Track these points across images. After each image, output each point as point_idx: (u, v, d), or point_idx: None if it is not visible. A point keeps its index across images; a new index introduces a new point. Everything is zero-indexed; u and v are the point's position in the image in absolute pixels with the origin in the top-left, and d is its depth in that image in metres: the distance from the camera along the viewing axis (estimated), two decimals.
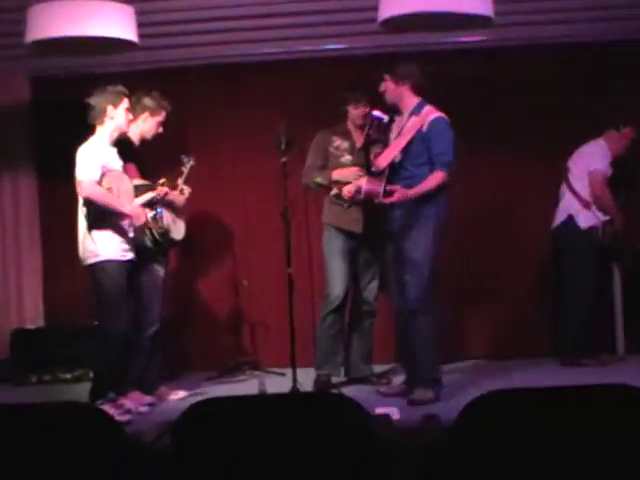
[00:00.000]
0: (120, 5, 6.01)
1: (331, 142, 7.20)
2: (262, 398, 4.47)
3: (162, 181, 6.86)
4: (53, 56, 7.05)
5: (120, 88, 6.50)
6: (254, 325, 8.45)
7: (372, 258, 7.14)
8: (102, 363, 6.46)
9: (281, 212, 6.63)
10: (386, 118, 6.42)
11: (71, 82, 8.19)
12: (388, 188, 6.36)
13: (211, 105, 8.42)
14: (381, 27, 6.01)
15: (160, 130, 6.98)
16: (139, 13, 6.17)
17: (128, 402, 6.40)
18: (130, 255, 6.47)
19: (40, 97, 8.49)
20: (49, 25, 5.89)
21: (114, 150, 6.48)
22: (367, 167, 6.56)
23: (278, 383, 7.10)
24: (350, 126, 7.22)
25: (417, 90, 6.51)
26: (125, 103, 6.48)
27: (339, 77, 7.82)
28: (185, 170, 7.13)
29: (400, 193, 6.27)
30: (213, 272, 8.59)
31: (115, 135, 6.50)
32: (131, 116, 6.62)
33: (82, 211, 6.40)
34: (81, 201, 6.39)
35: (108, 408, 6.05)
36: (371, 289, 7.22)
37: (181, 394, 7.01)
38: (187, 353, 8.27)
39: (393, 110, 6.57)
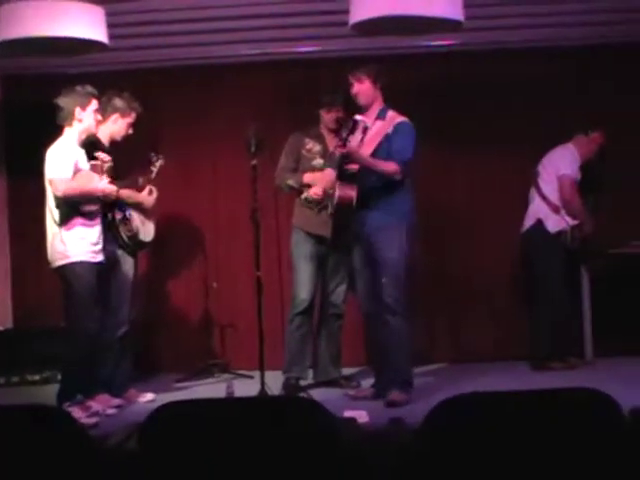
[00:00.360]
0: (90, 6, 5.99)
1: (304, 145, 7.21)
2: (229, 401, 4.46)
3: (141, 180, 6.88)
4: (23, 56, 7.01)
5: (89, 89, 6.46)
6: (224, 327, 8.42)
7: (341, 261, 7.14)
8: (71, 365, 6.42)
9: (250, 214, 6.62)
10: (368, 122, 6.40)
11: (41, 82, 8.14)
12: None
13: (183, 106, 8.40)
14: (352, 30, 6.02)
15: (130, 131, 6.95)
16: (110, 14, 6.15)
17: (96, 404, 6.37)
18: (100, 257, 6.45)
19: (10, 97, 8.45)
20: (19, 25, 5.86)
21: (82, 151, 6.45)
22: (340, 173, 6.53)
23: (247, 386, 7.11)
24: (323, 129, 7.23)
25: (384, 92, 6.56)
26: (93, 105, 6.45)
27: (312, 79, 7.84)
28: (154, 169, 7.12)
29: (357, 152, 6.32)
30: (183, 274, 8.56)
31: (83, 137, 6.48)
32: (100, 117, 6.58)
33: (50, 212, 6.36)
34: (50, 202, 6.34)
35: (75, 410, 6.04)
36: (339, 292, 7.23)
37: (149, 396, 6.98)
38: (156, 355, 8.25)
39: (360, 113, 6.56)
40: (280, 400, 4.34)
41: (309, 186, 7.05)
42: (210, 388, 7.51)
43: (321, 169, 7.05)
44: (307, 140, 7.23)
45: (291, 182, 7.13)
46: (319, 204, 7.00)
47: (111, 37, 6.20)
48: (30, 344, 8.00)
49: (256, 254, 6.61)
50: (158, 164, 7.16)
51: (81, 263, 6.32)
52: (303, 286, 7.12)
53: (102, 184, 6.38)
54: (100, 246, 6.45)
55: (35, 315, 8.40)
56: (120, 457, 3.33)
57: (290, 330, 7.21)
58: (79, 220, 6.33)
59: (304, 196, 7.08)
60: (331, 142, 7.10)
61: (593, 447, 2.94)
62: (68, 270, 6.33)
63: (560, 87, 8.09)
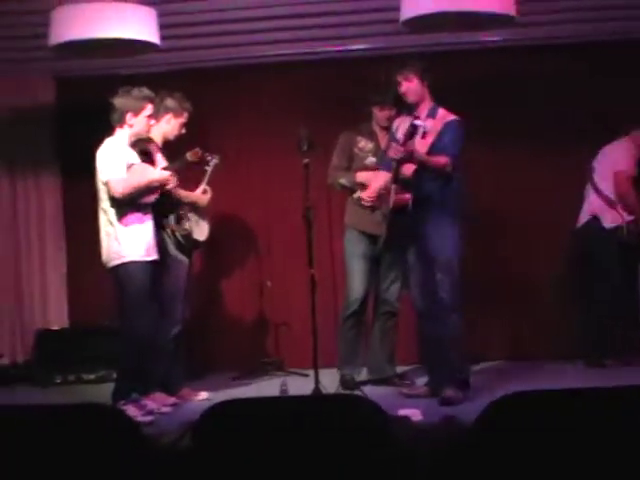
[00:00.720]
0: (142, 7, 6.04)
1: (356, 143, 7.20)
2: (282, 400, 4.47)
3: (194, 151, 6.91)
4: (76, 58, 7.08)
5: (145, 92, 6.46)
6: (278, 326, 8.44)
7: (395, 260, 7.11)
8: (126, 364, 6.47)
9: (303, 213, 6.62)
10: (428, 126, 6.32)
11: (94, 83, 8.21)
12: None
13: (233, 106, 8.43)
14: (403, 27, 6.01)
15: (183, 131, 6.98)
16: (161, 15, 6.19)
17: (151, 403, 6.41)
18: (154, 255, 6.48)
19: (64, 98, 8.53)
20: (72, 27, 5.93)
21: (132, 151, 6.47)
22: (395, 176, 6.50)
23: (301, 384, 7.10)
24: (375, 127, 7.21)
25: (431, 90, 6.51)
26: (147, 110, 6.45)
27: (360, 78, 7.80)
28: (209, 169, 7.15)
29: (416, 152, 6.26)
30: (237, 273, 8.60)
31: (133, 139, 6.51)
32: (153, 121, 6.61)
33: (105, 213, 6.39)
34: (104, 203, 6.39)
35: (130, 409, 6.10)
36: (393, 290, 7.22)
37: (204, 395, 7.01)
38: (211, 354, 8.28)
39: (408, 112, 6.53)
40: (334, 398, 4.33)
41: (362, 185, 7.02)
42: (264, 386, 7.53)
43: (374, 168, 7.01)
44: (359, 138, 7.21)
45: (343, 181, 7.12)
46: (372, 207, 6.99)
47: (162, 38, 6.24)
48: (85, 343, 8.08)
49: (309, 252, 6.60)
50: (212, 164, 7.19)
51: (135, 263, 6.35)
52: (356, 286, 7.14)
53: (157, 173, 6.43)
54: (153, 242, 6.49)
55: (90, 315, 8.48)
56: (174, 455, 3.35)
57: (343, 330, 7.23)
58: (134, 216, 6.34)
59: (357, 195, 7.05)
60: (383, 139, 7.08)
61: None
62: (122, 270, 6.36)
63: (615, 82, 7.99)
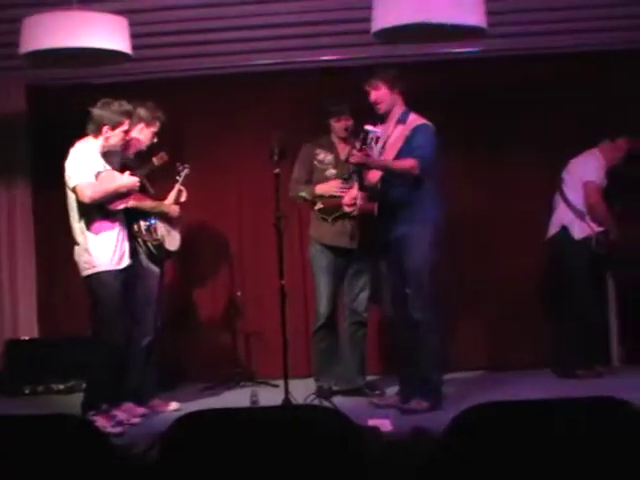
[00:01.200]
0: (114, 16, 6.02)
1: (315, 155, 7.26)
2: (252, 410, 4.46)
3: (159, 155, 6.89)
4: (48, 67, 7.04)
5: (125, 107, 6.44)
6: (248, 336, 8.44)
7: (361, 269, 7.19)
8: (96, 374, 6.43)
9: (274, 223, 6.62)
10: (379, 132, 6.37)
11: (66, 92, 8.21)
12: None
13: (206, 116, 8.44)
14: (375, 38, 6.01)
15: (155, 140, 6.97)
16: (133, 24, 6.17)
17: (120, 414, 6.38)
18: (125, 262, 6.44)
19: (35, 107, 8.49)
20: (43, 36, 5.89)
21: (100, 158, 6.44)
22: (360, 184, 6.55)
23: (271, 394, 7.11)
24: (334, 139, 7.26)
25: (404, 97, 6.51)
26: (124, 126, 6.44)
27: (334, 88, 7.83)
28: (180, 178, 7.15)
29: (366, 154, 6.25)
30: (208, 282, 8.59)
31: (102, 150, 6.47)
32: (128, 138, 6.61)
33: (76, 222, 6.36)
34: (74, 212, 6.35)
35: (100, 420, 6.06)
36: (361, 300, 7.25)
37: (174, 405, 6.99)
38: (181, 364, 8.26)
39: (380, 120, 6.55)
40: (304, 409, 4.34)
41: (322, 197, 7.13)
42: (234, 397, 7.52)
43: (334, 179, 7.12)
44: (318, 150, 7.27)
45: (304, 194, 7.15)
46: (333, 214, 7.04)
47: (134, 47, 6.22)
48: (55, 353, 8.05)
49: (280, 263, 6.60)
50: (184, 173, 7.19)
51: (107, 272, 6.32)
52: (324, 298, 7.20)
53: (125, 178, 6.39)
54: (125, 249, 6.45)
55: (60, 325, 8.45)
56: (143, 466, 3.34)
57: (314, 342, 7.32)
58: (104, 223, 6.31)
59: (317, 207, 7.12)
60: (342, 151, 7.17)
61: (618, 456, 2.92)
62: (94, 279, 6.33)
63: (585, 92, 8.06)
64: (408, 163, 6.29)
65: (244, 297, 8.37)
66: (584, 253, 7.58)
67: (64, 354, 7.98)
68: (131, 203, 6.54)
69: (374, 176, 6.43)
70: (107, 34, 5.95)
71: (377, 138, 6.36)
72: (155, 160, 6.97)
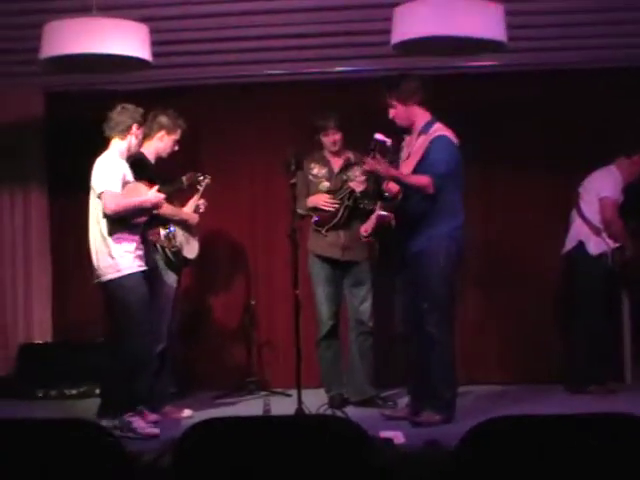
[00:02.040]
0: (135, 23, 6.04)
1: (310, 170, 7.30)
2: (264, 419, 4.45)
3: (187, 176, 6.91)
4: (67, 72, 7.08)
5: (141, 111, 6.51)
6: (262, 345, 8.45)
7: (361, 280, 7.27)
8: (124, 378, 6.33)
9: (289, 233, 6.62)
10: (389, 142, 6.33)
11: (85, 99, 8.23)
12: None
13: (222, 124, 8.46)
14: (394, 50, 6.02)
15: (176, 148, 7.00)
16: (154, 31, 6.19)
17: (135, 420, 6.37)
18: (144, 265, 6.43)
19: (54, 113, 8.52)
20: (64, 42, 5.92)
21: (127, 165, 6.46)
22: (379, 194, 6.55)
23: (284, 404, 7.10)
24: (326, 153, 7.30)
25: (425, 107, 6.43)
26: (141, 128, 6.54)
27: (351, 99, 7.84)
28: (201, 189, 7.16)
29: (381, 164, 6.22)
30: (222, 291, 8.60)
31: (128, 153, 6.50)
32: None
33: (98, 224, 6.33)
34: (99, 214, 6.33)
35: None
36: (364, 310, 7.28)
37: (187, 412, 6.99)
38: (195, 371, 8.27)
39: (402, 132, 6.53)
40: (317, 419, 4.33)
41: (315, 209, 7.24)
42: (247, 406, 7.51)
43: (326, 192, 7.23)
44: (313, 165, 7.35)
45: (300, 211, 7.17)
46: (324, 225, 7.17)
47: (154, 55, 6.24)
48: (68, 358, 8.07)
49: (294, 273, 6.59)
50: (204, 183, 7.20)
51: (132, 275, 6.30)
52: (324, 309, 7.27)
53: (150, 194, 6.39)
54: (141, 252, 6.43)
55: (75, 329, 8.46)
56: (155, 473, 3.34)
57: (319, 353, 7.35)
58: (124, 234, 6.31)
59: (313, 220, 7.27)
60: (336, 164, 7.31)
61: (628, 472, 2.91)
62: (118, 284, 6.30)
63: (603, 108, 8.04)
64: (422, 181, 6.23)
65: (258, 306, 8.36)
66: (600, 269, 7.56)
67: (78, 359, 8.01)
68: None
69: (394, 186, 6.42)
70: (128, 41, 5.98)
71: (389, 149, 6.31)
72: (185, 179, 7.02)
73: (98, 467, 3.05)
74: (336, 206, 7.17)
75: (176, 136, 6.98)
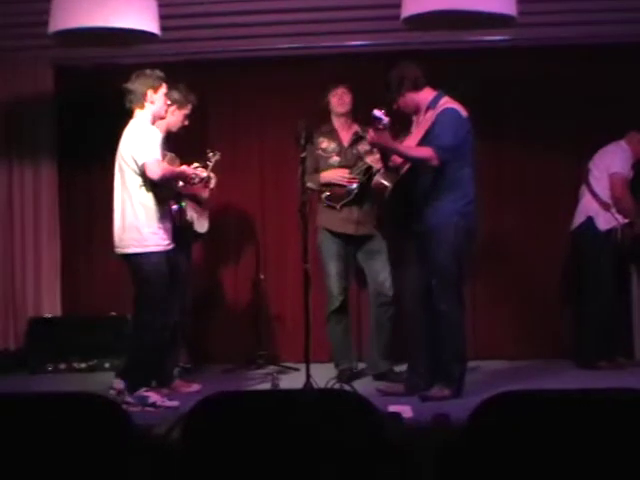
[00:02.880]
0: None
1: (318, 144, 7.24)
2: (273, 393, 4.47)
3: (195, 165, 6.88)
4: (76, 46, 7.07)
5: (158, 73, 6.44)
6: (271, 319, 8.46)
7: (375, 250, 7.24)
8: (143, 353, 6.38)
9: (299, 208, 6.61)
10: (386, 120, 6.15)
11: (94, 72, 8.22)
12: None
13: (233, 98, 8.45)
14: (404, 24, 6.00)
15: (186, 123, 6.99)
16: (162, 5, 6.18)
17: (151, 395, 6.39)
18: (170, 244, 6.46)
19: (63, 87, 8.50)
20: (73, 15, 5.92)
21: (157, 130, 6.45)
22: (385, 164, 6.54)
23: (292, 378, 7.13)
24: (336, 124, 7.27)
25: (420, 86, 6.39)
26: (164, 88, 6.44)
27: (362, 73, 7.81)
28: (210, 164, 7.12)
29: (384, 137, 6.19)
30: (232, 265, 8.60)
31: (154, 121, 6.47)
32: (169, 102, 6.59)
33: (130, 199, 6.29)
34: (133, 187, 6.28)
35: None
36: (382, 280, 7.23)
37: (196, 387, 7.01)
38: (204, 346, 8.29)
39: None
40: (325, 393, 4.34)
41: (328, 185, 7.20)
42: (255, 380, 7.53)
43: (338, 167, 7.21)
44: (321, 139, 7.28)
45: (311, 184, 7.15)
46: (340, 201, 7.13)
47: (163, 29, 6.23)
48: (78, 332, 8.09)
49: (304, 247, 6.58)
50: (214, 159, 7.16)
51: (156, 253, 6.31)
52: (334, 284, 7.26)
53: (192, 167, 6.49)
54: (168, 231, 6.44)
55: (84, 303, 8.49)
56: (165, 446, 3.35)
57: (329, 328, 7.36)
58: (158, 211, 6.32)
59: (324, 195, 7.20)
60: (345, 138, 7.22)
61: (636, 448, 2.92)
62: (141, 258, 6.30)
63: (614, 84, 8.00)
64: (425, 152, 6.22)
65: (267, 281, 8.37)
66: (609, 244, 7.54)
67: (87, 333, 8.04)
68: None
69: (398, 158, 6.41)
70: (136, 14, 5.97)
71: (383, 126, 6.13)
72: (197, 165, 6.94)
73: (107, 440, 3.07)
74: (355, 182, 7.14)
75: (187, 110, 6.96)
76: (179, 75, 7.28)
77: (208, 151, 7.17)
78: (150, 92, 6.39)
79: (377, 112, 6.16)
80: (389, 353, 7.33)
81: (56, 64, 8.45)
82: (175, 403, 6.25)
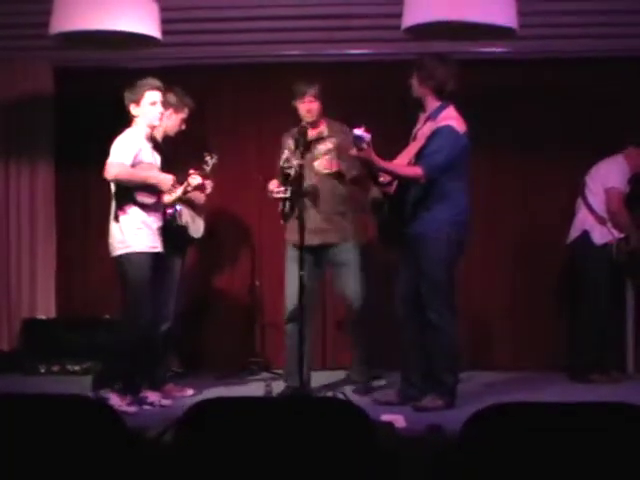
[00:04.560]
0: (145, 0, 6.04)
1: (288, 146, 7.09)
2: (266, 400, 4.47)
3: (191, 172, 6.86)
4: (77, 48, 7.08)
5: (148, 81, 6.43)
6: (265, 326, 8.44)
7: (340, 261, 7.01)
8: (117, 353, 6.43)
9: (296, 215, 6.61)
10: (368, 136, 5.95)
11: (94, 74, 8.23)
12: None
13: (230, 104, 8.45)
14: (405, 34, 6.01)
15: (183, 127, 6.99)
16: (164, 9, 6.19)
17: (150, 394, 6.45)
18: (158, 247, 6.46)
19: (63, 88, 8.50)
20: (74, 17, 5.93)
21: (149, 145, 6.47)
22: (374, 179, 6.42)
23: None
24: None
25: (440, 94, 6.34)
26: (148, 97, 6.39)
27: (363, 82, 7.82)
28: (208, 168, 7.10)
29: (369, 155, 6.03)
30: (227, 271, 8.60)
31: (148, 131, 6.48)
32: (162, 108, 6.53)
33: (114, 200, 6.37)
34: (113, 190, 6.36)
35: (114, 398, 6.17)
36: (349, 293, 7.04)
37: (189, 392, 7.01)
38: (198, 351, 8.28)
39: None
40: (318, 401, 4.34)
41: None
42: (248, 386, 7.52)
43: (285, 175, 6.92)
44: (290, 141, 7.06)
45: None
46: (283, 215, 6.93)
47: (164, 33, 6.24)
48: (72, 334, 8.08)
49: (300, 254, 6.59)
50: (211, 163, 7.13)
51: (139, 254, 6.33)
52: (291, 293, 6.87)
53: (161, 176, 6.41)
54: (158, 234, 6.46)
55: (79, 305, 8.49)
56: (156, 450, 3.35)
57: (285, 338, 7.07)
58: (136, 212, 6.34)
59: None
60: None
61: (627, 461, 2.92)
62: (124, 259, 6.33)
63: (612, 97, 8.02)
64: (414, 172, 6.20)
65: (262, 287, 8.37)
66: (604, 259, 7.54)
67: (81, 335, 8.03)
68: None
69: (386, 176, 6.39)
70: (137, 18, 5.98)
71: (368, 143, 5.95)
72: (192, 172, 6.89)
73: (100, 443, 3.07)
74: (282, 192, 6.85)
75: (184, 114, 6.97)
76: (178, 79, 7.29)
77: (206, 155, 7.15)
78: (132, 107, 6.40)
79: (357, 131, 5.95)
80: (366, 361, 7.22)
81: (56, 65, 8.44)
82: (168, 402, 6.37)
